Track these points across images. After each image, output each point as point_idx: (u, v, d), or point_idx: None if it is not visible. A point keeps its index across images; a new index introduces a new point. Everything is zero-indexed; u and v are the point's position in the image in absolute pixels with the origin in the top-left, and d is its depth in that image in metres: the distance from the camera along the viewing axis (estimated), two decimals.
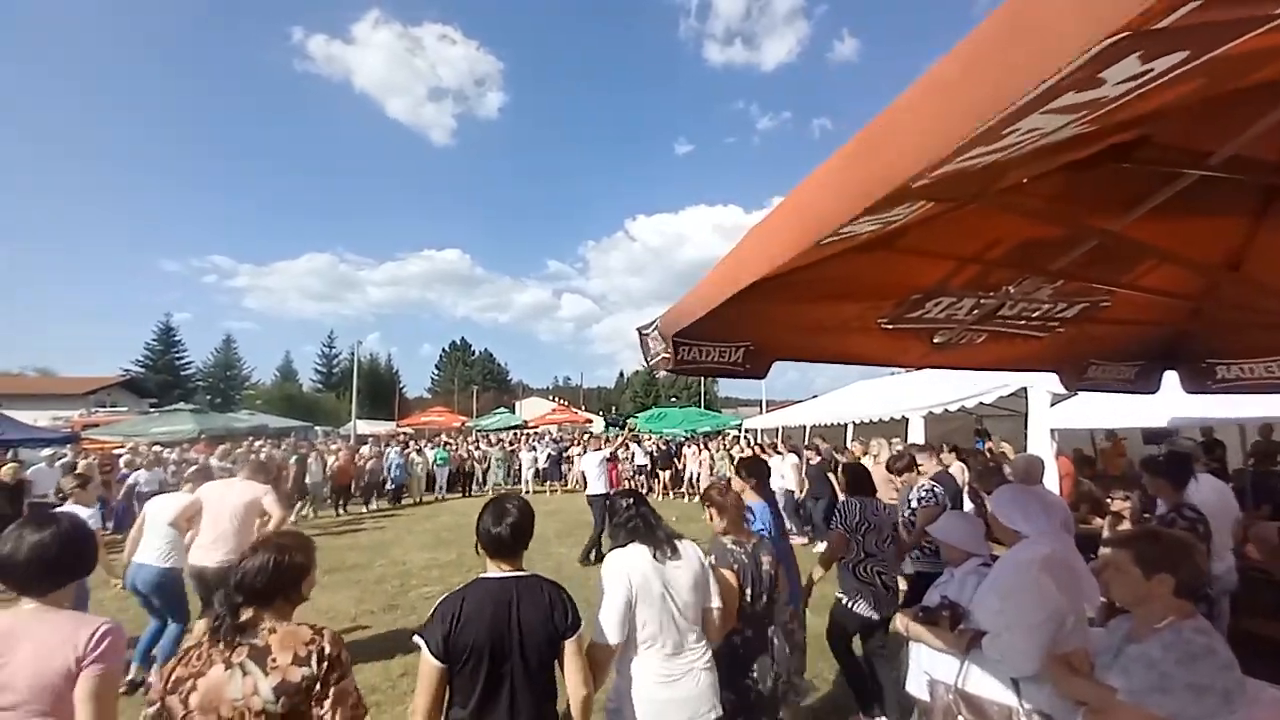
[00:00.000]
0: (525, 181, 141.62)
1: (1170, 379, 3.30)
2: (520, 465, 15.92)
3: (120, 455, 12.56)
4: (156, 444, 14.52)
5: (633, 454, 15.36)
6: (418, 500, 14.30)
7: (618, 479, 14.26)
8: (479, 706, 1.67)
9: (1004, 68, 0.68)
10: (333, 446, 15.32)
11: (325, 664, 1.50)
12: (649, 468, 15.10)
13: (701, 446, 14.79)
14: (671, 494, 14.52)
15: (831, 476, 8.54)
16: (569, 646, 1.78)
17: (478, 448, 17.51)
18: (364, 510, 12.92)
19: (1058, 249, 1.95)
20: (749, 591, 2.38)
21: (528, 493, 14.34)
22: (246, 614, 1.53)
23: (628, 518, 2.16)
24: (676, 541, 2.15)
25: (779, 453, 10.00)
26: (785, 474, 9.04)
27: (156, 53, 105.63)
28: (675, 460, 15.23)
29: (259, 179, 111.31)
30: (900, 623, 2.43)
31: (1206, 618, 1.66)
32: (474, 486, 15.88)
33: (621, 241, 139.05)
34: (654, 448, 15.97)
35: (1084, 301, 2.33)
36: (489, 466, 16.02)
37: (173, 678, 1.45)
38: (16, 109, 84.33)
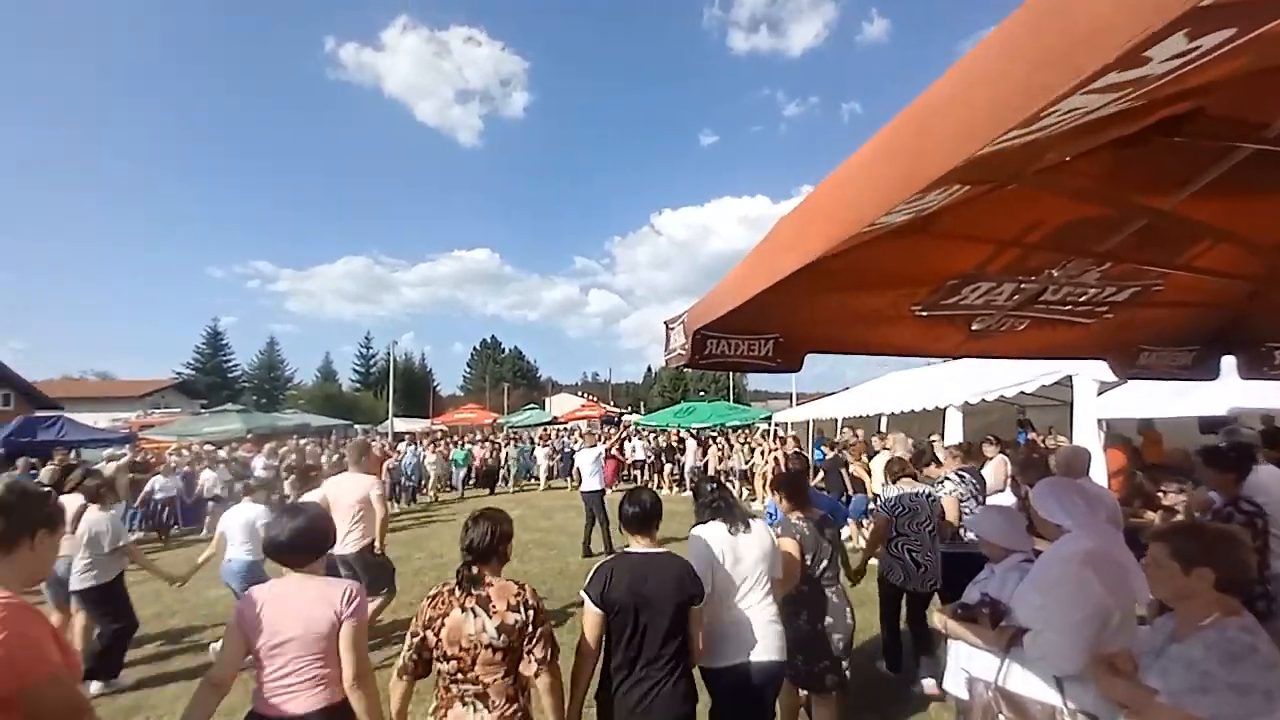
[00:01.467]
0: (551, 179, 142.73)
1: (1228, 365, 3.13)
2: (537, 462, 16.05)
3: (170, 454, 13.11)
4: (208, 443, 15.24)
5: (633, 449, 15.46)
6: (435, 499, 14.35)
7: (615, 475, 14.22)
8: (626, 648, 2.12)
9: (1042, 51, 0.66)
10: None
11: (532, 611, 1.94)
12: (648, 462, 15.24)
13: (709, 441, 14.72)
14: (675, 489, 14.40)
15: (843, 472, 8.76)
16: (694, 611, 2.20)
17: (508, 443, 17.70)
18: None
19: (1105, 230, 1.87)
20: (809, 557, 2.92)
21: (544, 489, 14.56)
22: (475, 570, 1.97)
23: (712, 499, 2.62)
24: (750, 520, 2.61)
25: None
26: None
27: (199, 67, 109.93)
28: (678, 454, 15.23)
29: (297, 186, 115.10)
30: (939, 620, 2.38)
31: (1267, 615, 1.58)
32: (500, 483, 15.89)
33: (647, 236, 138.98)
34: (656, 442, 16.17)
35: (1134, 285, 2.23)
36: (508, 464, 16.13)
37: (428, 615, 1.91)
38: (73, 124, 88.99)
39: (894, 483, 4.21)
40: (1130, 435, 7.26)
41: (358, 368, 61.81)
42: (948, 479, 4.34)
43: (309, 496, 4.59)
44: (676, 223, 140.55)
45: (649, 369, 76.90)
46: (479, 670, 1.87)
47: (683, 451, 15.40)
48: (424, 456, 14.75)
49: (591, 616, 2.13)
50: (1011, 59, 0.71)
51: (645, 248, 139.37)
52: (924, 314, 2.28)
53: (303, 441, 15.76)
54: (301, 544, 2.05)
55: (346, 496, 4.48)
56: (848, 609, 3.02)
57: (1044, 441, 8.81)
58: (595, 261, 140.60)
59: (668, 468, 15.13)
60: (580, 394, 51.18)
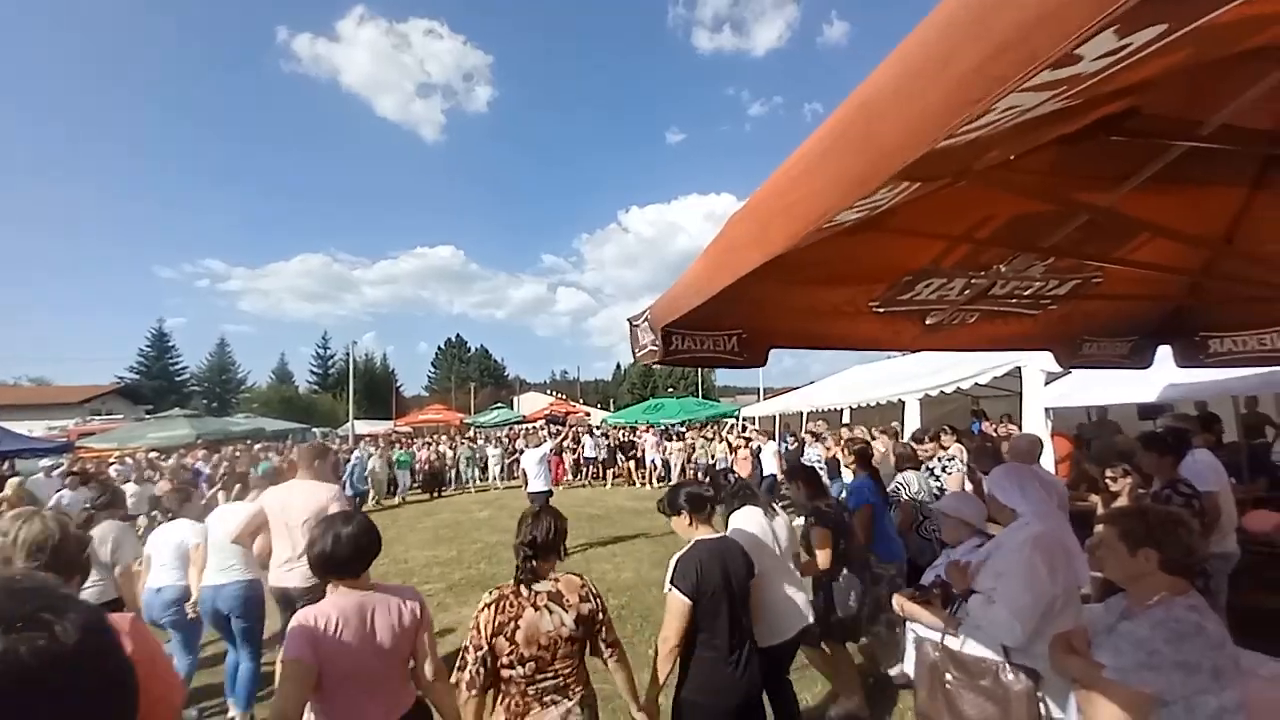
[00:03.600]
0: (517, 175, 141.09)
1: (1163, 354, 3.30)
2: (487, 461, 15.76)
3: (112, 465, 12.45)
4: (153, 450, 14.49)
5: (582, 445, 15.48)
6: (378, 503, 13.32)
7: (562, 474, 14.29)
8: (713, 632, 2.20)
9: (990, 46, 0.66)
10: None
11: (598, 599, 2.01)
12: (600, 459, 15.31)
13: (673, 436, 14.86)
14: (635, 482, 14.65)
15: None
16: (753, 586, 2.36)
17: (466, 444, 17.20)
18: None
19: (1049, 225, 1.92)
20: (841, 541, 3.17)
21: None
22: (537, 565, 1.97)
23: (737, 488, 2.85)
24: (773, 505, 2.86)
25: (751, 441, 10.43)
26: (767, 459, 9.85)
27: (142, 59, 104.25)
28: (635, 449, 15.39)
29: (250, 182, 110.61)
30: (895, 603, 2.46)
31: (1203, 593, 1.66)
32: (445, 487, 15.15)
33: (615, 233, 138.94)
34: (611, 439, 16.23)
35: (1076, 278, 2.31)
36: (457, 466, 15.63)
37: (496, 624, 1.84)
38: (7, 122, 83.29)
39: (899, 472, 4.50)
40: (1079, 423, 7.60)
41: (315, 369, 59.87)
42: (954, 457, 4.72)
43: (237, 510, 3.73)
44: (644, 220, 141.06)
45: (618, 366, 76.82)
46: (559, 665, 1.89)
47: (634, 448, 15.48)
48: (371, 460, 13.69)
49: (683, 609, 2.15)
50: (956, 50, 0.71)
51: (613, 245, 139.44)
52: (881, 310, 2.32)
53: (257, 447, 15.14)
54: (364, 552, 1.91)
55: (299, 510, 3.32)
56: (853, 591, 3.20)
57: (995, 430, 9.15)
58: (563, 259, 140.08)
59: (627, 464, 15.15)
60: (549, 392, 50.77)
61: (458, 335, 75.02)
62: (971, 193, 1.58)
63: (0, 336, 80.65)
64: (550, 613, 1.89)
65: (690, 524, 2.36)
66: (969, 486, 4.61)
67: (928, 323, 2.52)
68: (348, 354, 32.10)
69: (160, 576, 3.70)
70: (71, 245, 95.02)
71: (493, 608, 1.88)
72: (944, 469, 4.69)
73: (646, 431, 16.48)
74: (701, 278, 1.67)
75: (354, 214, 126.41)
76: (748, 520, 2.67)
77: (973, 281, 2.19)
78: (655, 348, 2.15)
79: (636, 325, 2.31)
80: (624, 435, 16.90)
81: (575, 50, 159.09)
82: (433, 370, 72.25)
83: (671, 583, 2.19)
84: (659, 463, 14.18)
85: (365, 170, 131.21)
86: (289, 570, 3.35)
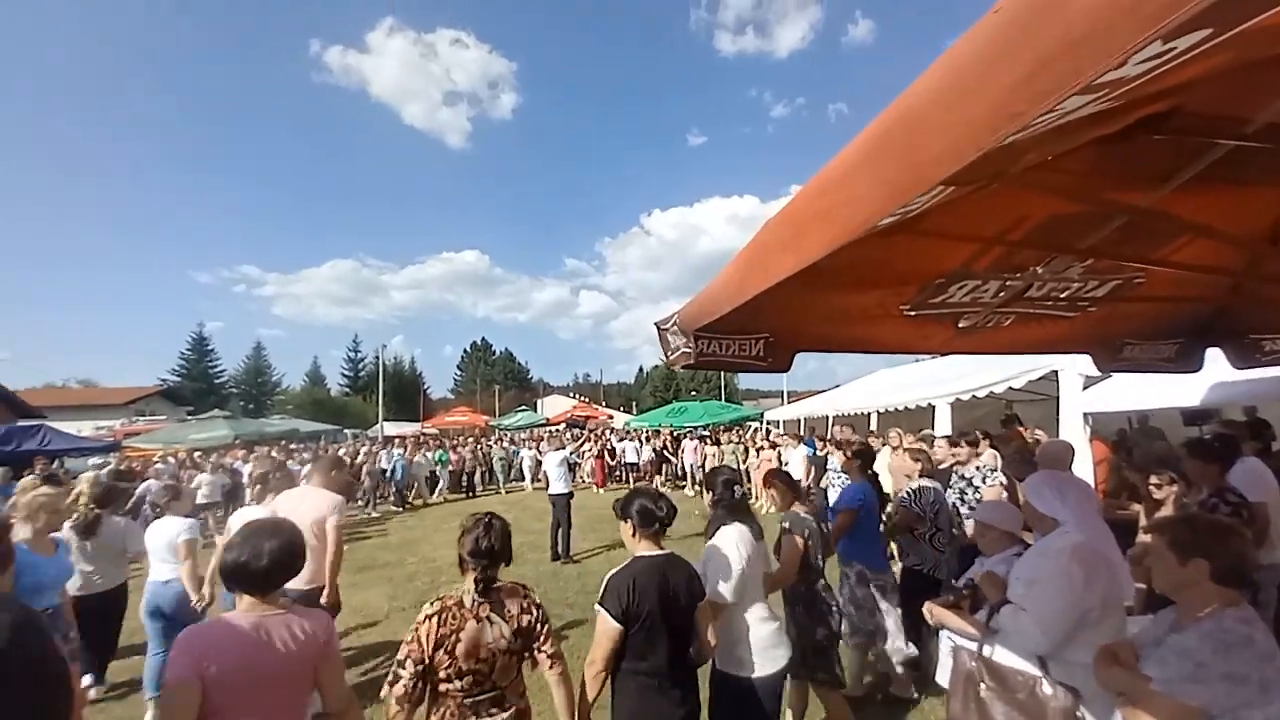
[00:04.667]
0: (541, 180, 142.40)
1: (1210, 356, 3.18)
2: (523, 463, 15.88)
3: (155, 464, 12.93)
4: (196, 450, 15.03)
5: (623, 450, 15.49)
6: (425, 501, 14.12)
7: (604, 477, 14.55)
8: (643, 656, 2.06)
9: (1032, 57, 0.66)
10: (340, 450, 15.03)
11: (539, 609, 1.97)
12: (640, 464, 15.24)
13: (709, 440, 14.80)
14: (671, 486, 14.53)
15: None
16: (701, 609, 2.19)
17: (499, 445, 17.60)
18: (368, 514, 12.54)
19: (1087, 226, 1.89)
20: (815, 552, 2.97)
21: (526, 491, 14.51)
22: (491, 575, 1.92)
23: (725, 498, 2.65)
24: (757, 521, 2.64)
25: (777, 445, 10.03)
26: (794, 464, 9.30)
27: (183, 70, 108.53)
28: (670, 454, 15.34)
29: (283, 189, 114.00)
30: (926, 610, 2.41)
31: (1253, 606, 1.60)
32: (479, 487, 15.69)
33: (637, 237, 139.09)
34: (652, 444, 16.15)
35: (1116, 279, 2.25)
36: (490, 467, 16.02)
37: (437, 636, 1.78)
38: (45, 129, 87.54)
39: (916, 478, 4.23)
40: (1115, 431, 7.35)
41: (346, 372, 61.42)
42: (994, 469, 4.41)
43: (254, 512, 3.90)
44: (666, 223, 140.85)
45: (640, 369, 76.91)
46: (497, 677, 1.86)
47: (674, 452, 15.46)
48: (409, 458, 14.23)
49: (611, 631, 2.01)
50: (1002, 60, 0.71)
51: (635, 248, 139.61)
52: (912, 313, 2.30)
53: (290, 446, 15.58)
54: (283, 569, 1.73)
55: (304, 517, 3.44)
56: (834, 606, 3.09)
57: (1020, 434, 8.91)
58: (585, 263, 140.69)
59: (664, 468, 15.15)
60: (572, 395, 51.04)
61: (483, 338, 76.16)
62: (1006, 194, 1.56)
63: (51, 339, 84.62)
64: (491, 624, 1.85)
65: (634, 536, 2.21)
66: (1004, 495, 4.48)
67: (960, 326, 2.49)
68: (377, 357, 32.79)
69: (162, 570, 3.87)
70: (116, 252, 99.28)
71: (435, 619, 1.80)
72: (984, 479, 4.38)
73: (686, 437, 16.45)
74: (734, 282, 1.68)
75: (382, 220, 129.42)
76: (728, 540, 2.48)
77: (1008, 283, 2.15)
78: (688, 350, 2.17)
79: (665, 329, 2.33)
80: (666, 440, 16.89)
81: (597, 56, 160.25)
82: (458, 373, 73.46)
83: (600, 603, 2.06)
84: (697, 467, 14.04)
85: (393, 177, 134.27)
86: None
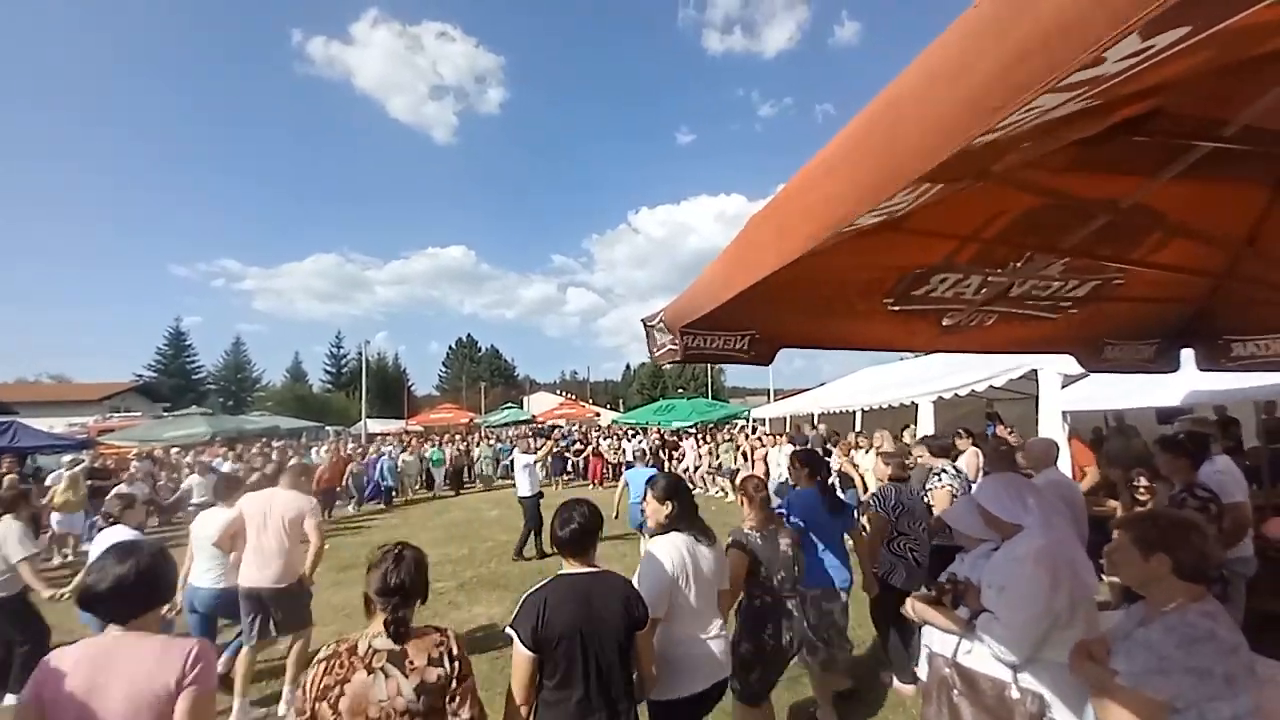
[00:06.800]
0: (528, 176, 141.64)
1: (1186, 357, 3.25)
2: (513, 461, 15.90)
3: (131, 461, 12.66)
4: (173, 447, 14.73)
5: (622, 450, 15.49)
6: (406, 500, 13.95)
7: (599, 475, 14.69)
8: (563, 684, 1.85)
9: (1007, 52, 0.66)
10: (323, 450, 14.95)
11: (456, 663, 1.64)
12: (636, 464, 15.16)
13: (705, 439, 14.81)
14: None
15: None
16: (640, 637, 1.99)
17: (485, 443, 17.51)
18: (354, 513, 12.39)
19: (1067, 225, 1.91)
20: (763, 568, 2.75)
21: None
22: (403, 615, 1.64)
23: (679, 510, 2.38)
24: (707, 528, 2.42)
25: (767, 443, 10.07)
26: (780, 463, 9.17)
27: (159, 59, 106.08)
28: (663, 453, 15.15)
29: (265, 182, 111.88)
30: (908, 605, 2.44)
31: (1221, 600, 1.63)
32: (468, 480, 15.96)
33: (625, 234, 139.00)
34: (651, 443, 16.10)
35: (1096, 279, 2.29)
36: (477, 463, 16.02)
37: (320, 686, 1.55)
38: (21, 120, 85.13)
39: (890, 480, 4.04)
40: (1092, 429, 7.50)
41: (329, 368, 60.51)
42: (945, 471, 4.21)
43: (218, 516, 3.91)
44: (654, 221, 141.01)
45: (628, 367, 76.96)
46: None
47: (675, 449, 15.43)
48: (399, 457, 14.24)
49: (521, 659, 1.83)
50: (979, 56, 0.71)
51: (623, 245, 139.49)
52: (895, 308, 2.31)
53: (277, 444, 15.34)
54: (136, 593, 1.60)
55: (277, 517, 3.73)
56: (790, 624, 2.84)
57: (1009, 434, 9.04)
58: (573, 259, 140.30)
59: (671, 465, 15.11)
60: (559, 392, 50.84)
61: (469, 335, 75.71)
62: (989, 192, 1.58)
63: (21, 333, 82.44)
64: (386, 677, 1.56)
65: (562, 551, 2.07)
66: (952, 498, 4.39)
67: (944, 324, 2.51)
68: (360, 353, 32.35)
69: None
70: (90, 242, 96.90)
71: (323, 665, 1.59)
72: (939, 478, 4.12)
73: (687, 438, 16.42)
74: (719, 278, 1.68)
75: (366, 215, 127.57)
76: (664, 549, 2.27)
77: (989, 280, 2.18)
78: (674, 347, 2.17)
79: (652, 326, 2.32)
80: (660, 438, 16.86)
81: (586, 52, 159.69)
82: (444, 370, 72.79)
83: (511, 624, 1.88)
84: (700, 468, 14.01)
85: (378, 171, 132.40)
86: (259, 571, 3.70)
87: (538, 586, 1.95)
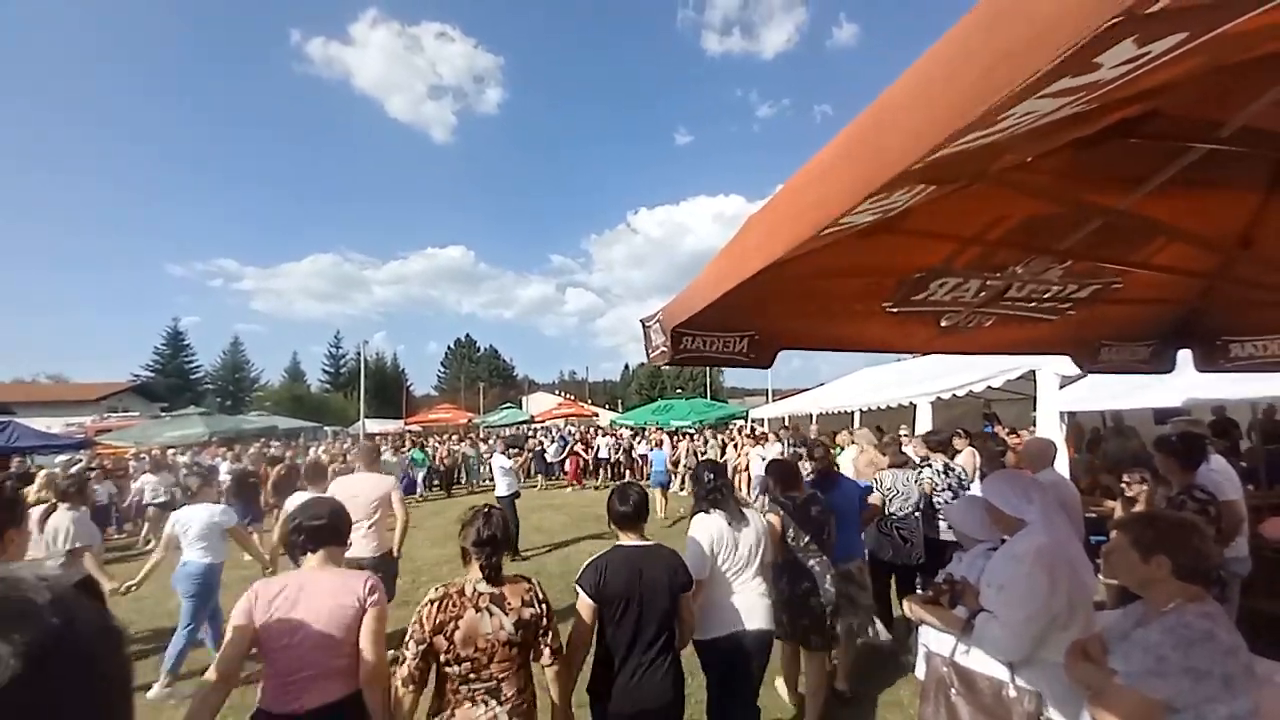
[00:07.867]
0: (527, 177, 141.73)
1: (1182, 359, 3.26)
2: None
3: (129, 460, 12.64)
4: (169, 447, 14.69)
5: (596, 448, 15.66)
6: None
7: (578, 473, 14.74)
8: (619, 637, 2.18)
9: (996, 55, 0.67)
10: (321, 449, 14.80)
11: (544, 605, 2.00)
12: (612, 461, 15.41)
13: (684, 436, 14.79)
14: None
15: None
16: (684, 599, 2.30)
17: (470, 444, 17.44)
18: None
19: (1065, 228, 1.91)
20: (790, 531, 3.19)
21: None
22: (496, 563, 1.97)
23: (710, 489, 2.74)
24: (744, 510, 2.78)
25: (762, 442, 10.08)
26: (768, 456, 9.32)
27: (158, 59, 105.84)
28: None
29: (263, 182, 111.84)
30: (906, 606, 2.44)
31: (1220, 601, 1.63)
32: (458, 482, 15.70)
33: (623, 234, 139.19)
34: (625, 441, 16.36)
35: (1095, 282, 2.29)
36: (466, 465, 15.99)
37: (436, 621, 1.86)
38: (21, 120, 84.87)
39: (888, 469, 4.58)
40: (1090, 429, 7.51)
41: (327, 368, 60.53)
42: (927, 467, 4.59)
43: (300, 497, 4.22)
44: (652, 221, 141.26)
45: (626, 367, 77.04)
46: (494, 668, 1.88)
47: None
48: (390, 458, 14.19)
49: (586, 608, 2.17)
50: (966, 59, 0.72)
51: (621, 245, 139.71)
52: (894, 310, 2.31)
53: (273, 445, 15.30)
54: (334, 529, 2.09)
55: (362, 497, 4.21)
56: (829, 577, 3.21)
57: (1007, 435, 9.06)
58: (571, 259, 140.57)
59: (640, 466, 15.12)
60: (558, 392, 50.87)
61: (467, 335, 75.78)
62: (986, 194, 1.58)
63: (19, 333, 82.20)
64: (490, 615, 1.88)
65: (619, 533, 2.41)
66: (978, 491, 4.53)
67: (942, 325, 2.51)
68: (359, 353, 32.26)
69: (187, 554, 4.19)
70: (87, 242, 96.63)
71: (436, 605, 1.89)
72: (927, 469, 4.60)
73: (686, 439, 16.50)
74: (711, 280, 1.68)
75: (365, 214, 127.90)
76: (701, 528, 2.66)
77: (988, 283, 2.18)
78: (666, 348, 2.17)
79: (649, 326, 2.32)
80: (640, 437, 16.86)
81: (585, 53, 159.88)
82: (442, 370, 72.84)
83: (577, 581, 2.22)
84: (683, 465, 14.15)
85: (376, 171, 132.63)
86: (362, 542, 4.16)
87: (598, 555, 2.27)
